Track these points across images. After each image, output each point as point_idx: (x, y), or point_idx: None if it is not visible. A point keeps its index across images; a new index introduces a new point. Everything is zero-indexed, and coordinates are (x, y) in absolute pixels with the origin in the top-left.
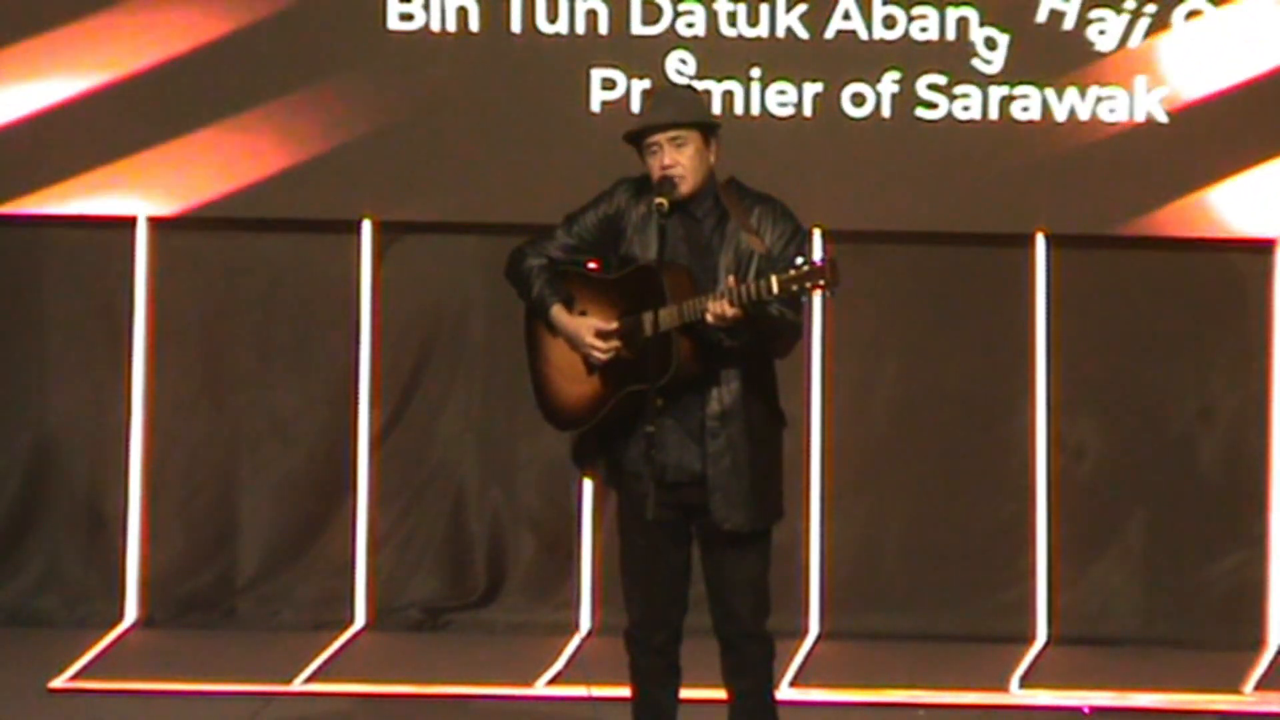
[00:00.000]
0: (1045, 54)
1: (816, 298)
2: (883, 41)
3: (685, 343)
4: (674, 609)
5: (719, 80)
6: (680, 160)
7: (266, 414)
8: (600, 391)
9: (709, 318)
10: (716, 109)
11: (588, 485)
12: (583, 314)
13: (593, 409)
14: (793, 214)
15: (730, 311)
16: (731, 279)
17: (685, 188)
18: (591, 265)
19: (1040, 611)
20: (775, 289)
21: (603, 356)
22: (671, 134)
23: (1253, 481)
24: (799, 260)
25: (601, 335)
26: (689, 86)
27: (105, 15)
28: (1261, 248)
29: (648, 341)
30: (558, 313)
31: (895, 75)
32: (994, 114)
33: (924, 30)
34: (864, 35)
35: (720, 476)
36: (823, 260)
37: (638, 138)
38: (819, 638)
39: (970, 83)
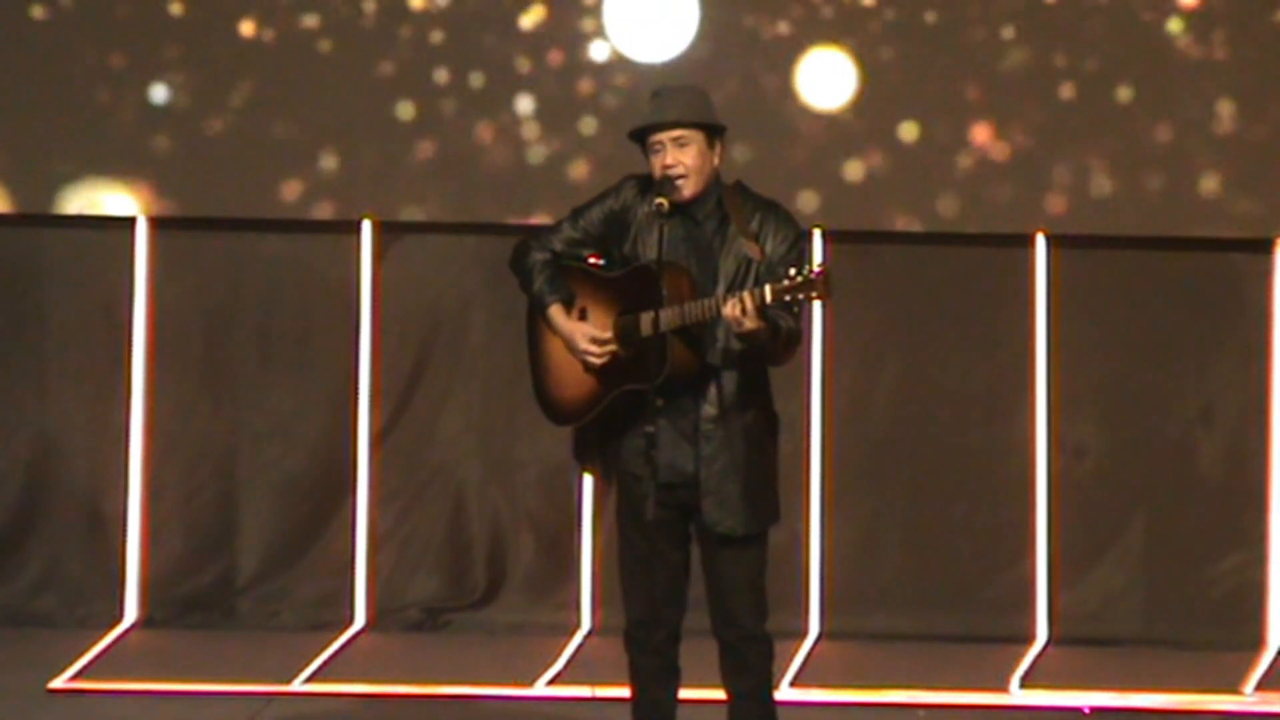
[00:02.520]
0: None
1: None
2: (884, 40)
3: (680, 343)
4: (672, 609)
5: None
6: (683, 161)
7: (266, 414)
8: (596, 389)
9: (730, 319)
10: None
11: (588, 486)
12: (582, 310)
13: (588, 406)
14: (795, 220)
15: (749, 325)
16: (744, 297)
17: (687, 189)
18: (592, 260)
19: (1040, 611)
20: (769, 298)
21: (597, 362)
22: (674, 134)
23: (1253, 481)
24: (793, 271)
25: (596, 342)
26: (696, 86)
27: (107, 14)
28: (1261, 248)
29: (645, 341)
30: (555, 313)
31: (896, 74)
32: (994, 114)
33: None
34: (865, 34)
35: (713, 479)
36: (816, 272)
37: (641, 136)
38: (819, 638)
39: (971, 81)
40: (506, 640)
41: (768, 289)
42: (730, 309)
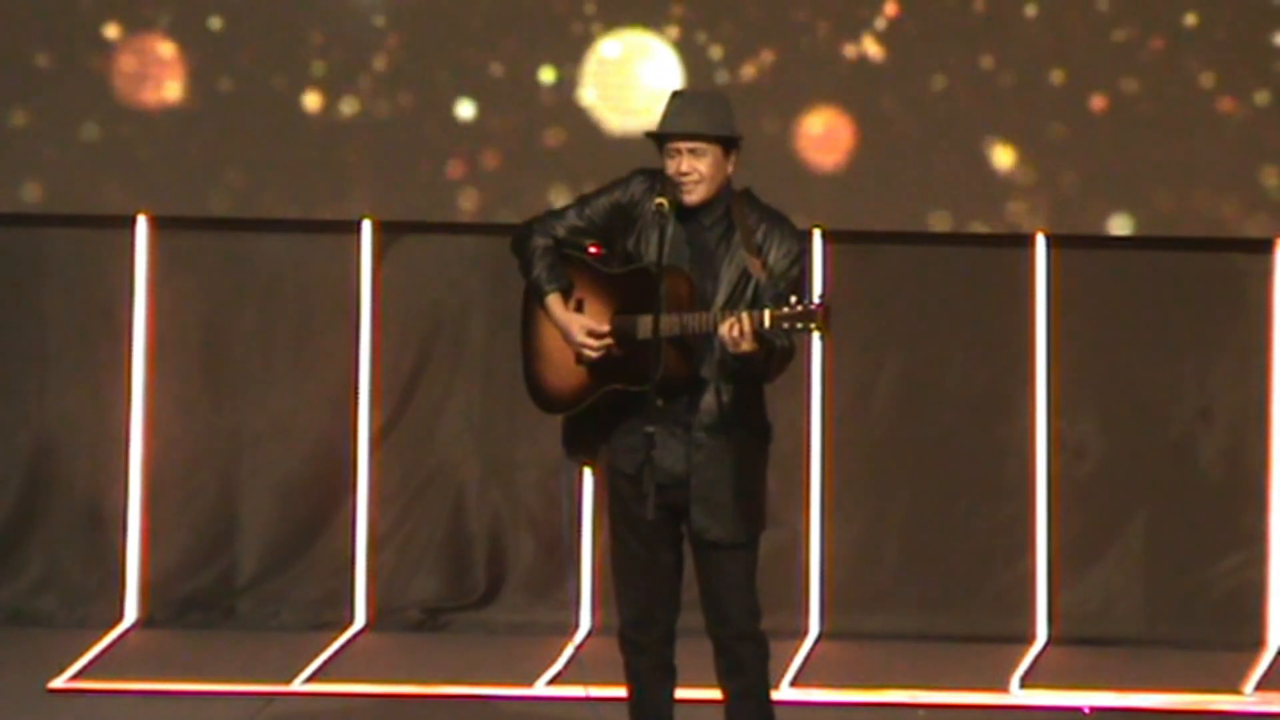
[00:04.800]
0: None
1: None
2: (884, 40)
3: (673, 351)
4: (666, 609)
5: (720, 77)
6: (697, 168)
7: (266, 414)
8: (585, 383)
9: (725, 339)
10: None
11: (588, 488)
12: (579, 302)
13: (575, 399)
14: (799, 234)
15: (745, 347)
16: (745, 317)
17: (696, 196)
18: (592, 250)
19: (1040, 611)
20: (767, 323)
21: (593, 355)
22: (691, 144)
23: (1253, 481)
24: (794, 299)
25: (593, 334)
26: (717, 93)
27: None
28: (1261, 248)
29: (639, 344)
30: (553, 302)
31: (896, 74)
32: (996, 113)
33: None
34: (865, 33)
35: (703, 487)
36: (817, 304)
37: (659, 138)
38: (819, 638)
39: (970, 82)
40: (506, 640)
41: (766, 314)
42: (727, 329)
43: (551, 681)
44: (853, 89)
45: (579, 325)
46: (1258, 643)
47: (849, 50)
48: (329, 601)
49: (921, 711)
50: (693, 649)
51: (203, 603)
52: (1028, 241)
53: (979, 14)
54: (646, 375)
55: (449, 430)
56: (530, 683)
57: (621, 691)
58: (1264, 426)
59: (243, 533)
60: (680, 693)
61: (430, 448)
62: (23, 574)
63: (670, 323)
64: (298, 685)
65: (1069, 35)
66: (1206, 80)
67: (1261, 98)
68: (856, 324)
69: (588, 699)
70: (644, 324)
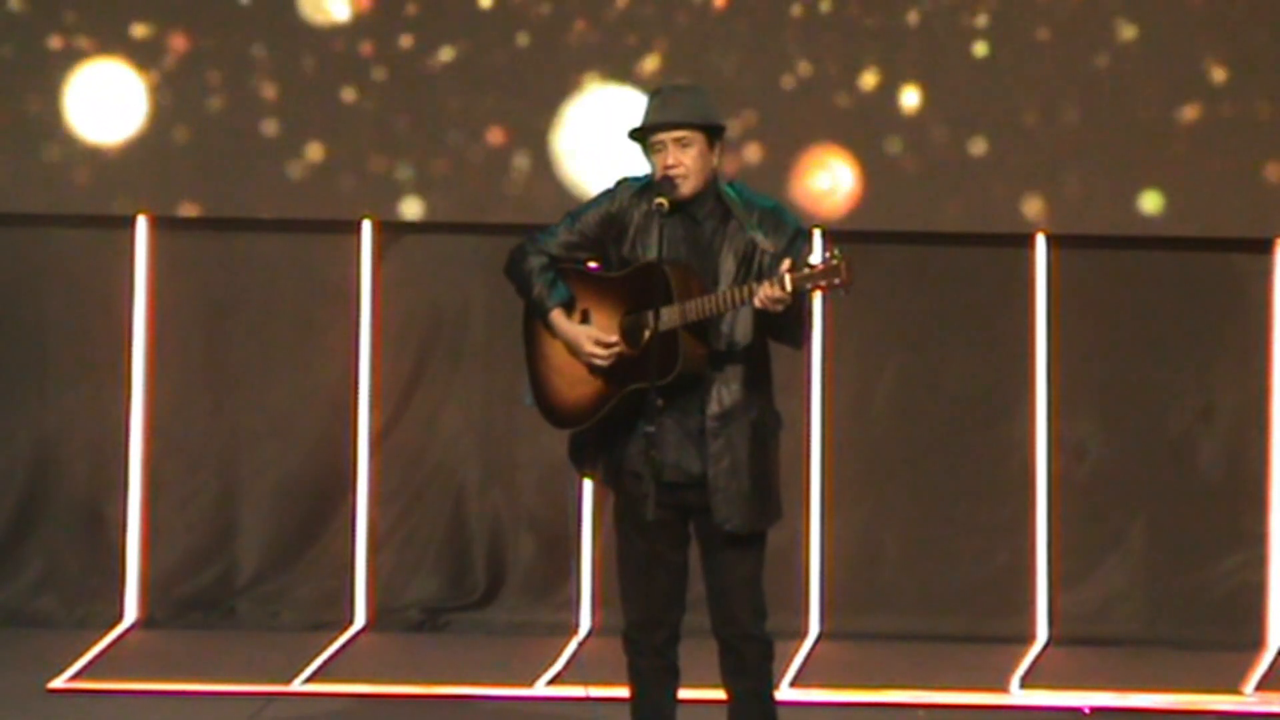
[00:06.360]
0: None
1: (817, 296)
2: (883, 40)
3: (690, 341)
4: (672, 609)
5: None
6: (683, 161)
7: (266, 414)
8: (602, 391)
9: (756, 302)
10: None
11: (588, 485)
12: (584, 313)
13: (594, 408)
14: (794, 217)
15: (778, 293)
16: (786, 266)
17: (686, 188)
18: (592, 265)
19: (1040, 611)
20: (788, 287)
21: (603, 364)
22: (677, 134)
23: (1253, 481)
24: (813, 259)
25: (601, 344)
26: (698, 86)
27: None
28: (1261, 248)
29: (651, 340)
30: (557, 318)
31: (895, 74)
32: (996, 113)
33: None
34: (863, 33)
35: (721, 477)
36: (837, 259)
37: (642, 135)
38: (819, 638)
39: (969, 81)
40: (506, 640)
41: (787, 278)
42: (767, 290)
43: (551, 681)
44: (849, 115)
45: (586, 336)
46: (1258, 643)
47: (845, 74)
48: (329, 601)
49: (921, 711)
50: (695, 649)
51: (203, 603)
52: (1028, 241)
53: (981, 35)
54: (663, 369)
55: (449, 430)
56: (530, 683)
57: (622, 691)
58: (1264, 426)
59: (243, 533)
60: (682, 693)
61: (430, 448)
62: (23, 574)
63: (673, 313)
64: (298, 685)
65: (1073, 43)
66: (1209, 80)
67: (1262, 99)
68: (856, 324)
69: (587, 699)
70: (651, 320)
